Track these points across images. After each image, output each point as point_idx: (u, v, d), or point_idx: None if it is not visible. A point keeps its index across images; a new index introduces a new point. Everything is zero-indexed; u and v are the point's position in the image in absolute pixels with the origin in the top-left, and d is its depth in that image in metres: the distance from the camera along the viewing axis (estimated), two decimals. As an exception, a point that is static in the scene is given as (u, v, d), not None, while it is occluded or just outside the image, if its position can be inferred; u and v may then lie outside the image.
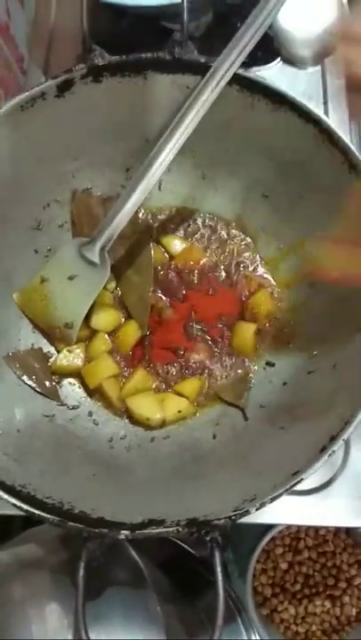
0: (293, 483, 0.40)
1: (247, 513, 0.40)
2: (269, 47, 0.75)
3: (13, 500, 0.41)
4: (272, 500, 0.40)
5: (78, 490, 0.46)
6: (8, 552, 0.51)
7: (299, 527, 0.72)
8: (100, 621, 0.42)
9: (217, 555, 0.38)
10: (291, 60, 0.74)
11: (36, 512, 0.41)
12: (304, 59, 0.73)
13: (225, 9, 0.78)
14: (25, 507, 0.41)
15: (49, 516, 0.41)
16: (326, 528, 0.72)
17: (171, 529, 0.40)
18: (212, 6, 0.78)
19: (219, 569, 0.37)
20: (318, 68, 0.73)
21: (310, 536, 0.72)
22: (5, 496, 0.41)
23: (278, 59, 0.74)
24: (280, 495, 0.40)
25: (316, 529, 0.72)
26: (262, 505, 0.40)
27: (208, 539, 0.38)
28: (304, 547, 0.71)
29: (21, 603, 0.45)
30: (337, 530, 0.73)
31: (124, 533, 0.40)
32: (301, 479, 0.40)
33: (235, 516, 0.40)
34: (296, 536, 0.72)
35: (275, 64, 0.74)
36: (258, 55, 0.75)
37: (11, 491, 0.42)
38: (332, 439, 0.42)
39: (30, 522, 0.57)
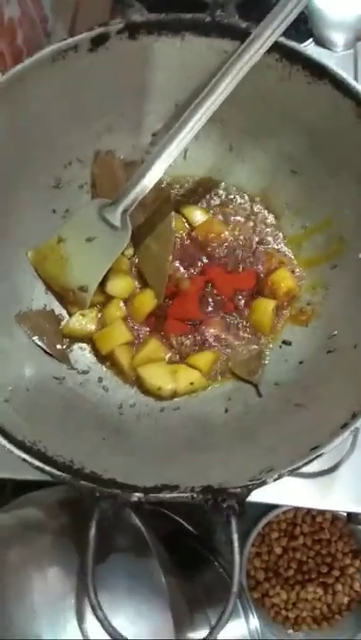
0: (313, 457, 0.40)
1: (264, 483, 0.39)
2: (302, 28, 0.74)
3: (24, 455, 0.40)
4: (290, 472, 0.39)
5: (88, 451, 0.44)
6: (9, 514, 0.50)
7: (295, 513, 0.72)
8: (105, 586, 0.41)
9: (233, 522, 0.37)
10: (323, 42, 0.73)
11: (47, 468, 0.40)
12: (337, 41, 0.72)
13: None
14: (36, 462, 0.40)
15: (60, 473, 0.40)
16: (323, 515, 0.71)
17: (185, 494, 0.39)
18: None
19: (235, 536, 0.36)
20: (351, 51, 0.72)
21: (307, 522, 0.72)
22: (16, 451, 0.40)
23: (311, 39, 0.73)
24: (298, 468, 0.39)
25: (313, 516, 0.72)
26: (280, 476, 0.39)
27: (225, 506, 0.37)
28: (300, 533, 0.71)
29: (23, 565, 0.44)
30: (334, 518, 0.72)
31: (137, 495, 0.39)
32: (321, 453, 0.39)
33: (251, 485, 0.39)
34: (292, 521, 0.72)
35: (307, 44, 0.73)
36: (291, 34, 0.74)
37: (21, 446, 0.41)
38: (355, 416, 0.41)
39: (22, 488, 0.56)
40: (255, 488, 0.39)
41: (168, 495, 0.39)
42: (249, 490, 0.39)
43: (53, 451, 0.42)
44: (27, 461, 0.40)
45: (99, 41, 0.51)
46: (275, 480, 0.39)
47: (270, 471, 0.40)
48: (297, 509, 0.72)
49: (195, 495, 0.39)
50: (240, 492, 0.38)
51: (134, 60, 0.53)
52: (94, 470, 0.41)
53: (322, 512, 0.72)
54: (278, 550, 0.71)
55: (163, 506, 0.64)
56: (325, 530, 0.71)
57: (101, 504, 0.38)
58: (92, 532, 0.37)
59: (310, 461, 0.39)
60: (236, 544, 0.36)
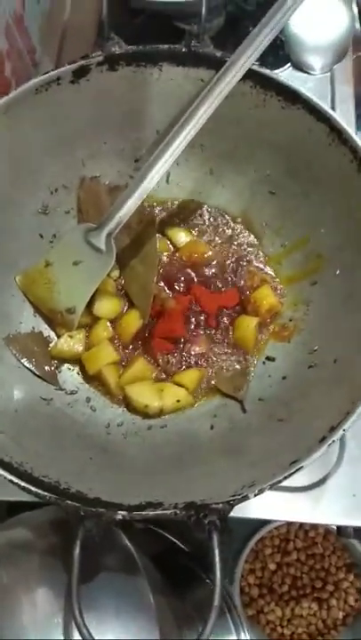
0: (293, 471, 0.40)
1: (246, 498, 0.40)
2: (280, 52, 0.76)
3: (10, 477, 0.41)
4: (271, 486, 0.40)
5: (75, 471, 0.45)
6: (1, 535, 0.50)
7: (288, 528, 0.72)
8: (92, 606, 0.41)
9: (215, 537, 0.37)
10: (300, 66, 0.75)
11: (33, 489, 0.41)
12: (314, 65, 0.75)
13: (238, 12, 0.79)
14: (22, 483, 0.41)
15: (46, 493, 0.40)
16: (316, 530, 0.71)
17: (168, 511, 0.40)
18: (225, 9, 0.79)
19: (217, 551, 0.37)
20: (328, 74, 0.75)
21: (300, 538, 0.72)
22: (3, 472, 0.41)
23: (288, 64, 0.76)
24: (279, 482, 0.40)
25: (306, 531, 0.72)
26: (261, 491, 0.40)
27: (206, 522, 0.38)
28: (293, 548, 0.71)
29: (11, 585, 0.44)
30: (326, 532, 0.72)
31: (121, 514, 0.39)
32: (301, 467, 0.40)
33: (233, 500, 0.39)
34: (285, 537, 0.72)
35: (285, 69, 0.76)
36: (269, 60, 0.77)
37: (8, 467, 0.42)
38: (332, 429, 0.42)
39: (15, 509, 0.57)
40: (237, 503, 0.39)
41: (152, 513, 0.40)
42: (231, 505, 0.39)
43: (40, 471, 0.43)
44: (13, 482, 0.41)
45: (80, 73, 0.53)
46: (256, 495, 0.40)
47: (252, 486, 0.40)
48: (289, 525, 0.72)
49: (177, 512, 0.39)
50: (222, 507, 0.39)
51: (115, 91, 0.55)
52: (80, 490, 0.42)
53: (315, 527, 0.72)
54: (272, 566, 0.71)
55: (154, 524, 0.65)
56: (318, 544, 0.71)
57: (86, 523, 0.38)
58: (77, 551, 0.37)
59: (290, 475, 0.40)
60: (217, 559, 0.37)
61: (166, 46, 0.53)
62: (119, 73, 0.54)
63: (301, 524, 0.72)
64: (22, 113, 0.52)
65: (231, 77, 0.51)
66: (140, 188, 0.52)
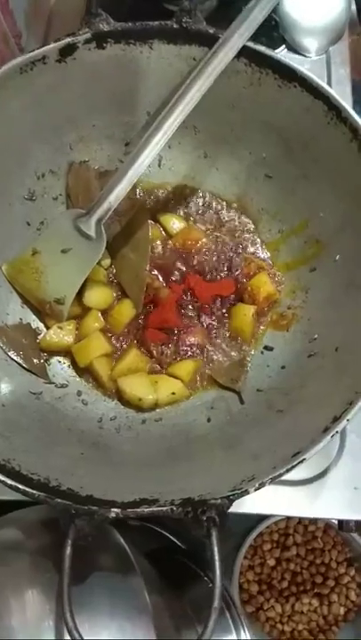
0: (295, 463, 0.38)
1: (246, 493, 0.38)
2: (274, 34, 0.74)
3: (-3, 474, 0.38)
4: (272, 480, 0.38)
5: (66, 468, 0.43)
6: (-13, 535, 0.48)
7: (287, 523, 0.70)
8: (85, 607, 0.39)
9: (214, 534, 0.35)
10: (295, 49, 0.73)
11: (21, 487, 0.38)
12: (309, 47, 0.72)
13: (230, -6, 0.77)
14: (9, 481, 0.38)
15: (35, 491, 0.38)
16: (316, 524, 0.70)
17: (164, 508, 0.38)
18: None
19: (216, 549, 0.35)
20: (323, 56, 0.72)
21: (299, 532, 0.70)
22: (-13, 469, 0.38)
23: (283, 46, 0.73)
24: (280, 475, 0.38)
25: (306, 525, 0.70)
26: (261, 485, 0.38)
27: (204, 518, 0.36)
28: (293, 543, 0.70)
29: (0, 587, 0.42)
30: (327, 526, 0.71)
31: (114, 511, 0.37)
32: (303, 459, 0.38)
33: (233, 495, 0.38)
34: (285, 532, 0.70)
35: (279, 51, 0.73)
36: (262, 41, 0.74)
37: (-7, 464, 0.39)
38: (336, 420, 0.40)
39: (1, 509, 0.55)
40: (237, 498, 0.37)
41: (147, 510, 0.38)
42: (230, 500, 0.37)
43: (28, 468, 0.41)
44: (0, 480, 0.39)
45: (67, 51, 0.50)
46: (256, 489, 0.38)
47: (252, 480, 0.38)
48: (289, 519, 0.70)
49: (174, 508, 0.37)
50: (220, 502, 0.37)
51: (103, 70, 0.52)
52: (71, 487, 0.40)
53: (314, 521, 0.70)
54: (271, 562, 0.69)
55: (149, 521, 0.63)
56: (318, 539, 0.70)
57: (77, 522, 0.36)
58: (68, 551, 0.35)
59: (292, 468, 0.38)
60: (216, 557, 0.35)
61: (157, 23, 0.51)
62: (108, 51, 0.51)
63: (301, 519, 0.70)
64: (6, 94, 0.50)
65: (225, 54, 0.49)
66: (130, 171, 0.50)
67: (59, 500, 0.38)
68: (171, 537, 0.61)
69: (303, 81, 0.49)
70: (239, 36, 0.49)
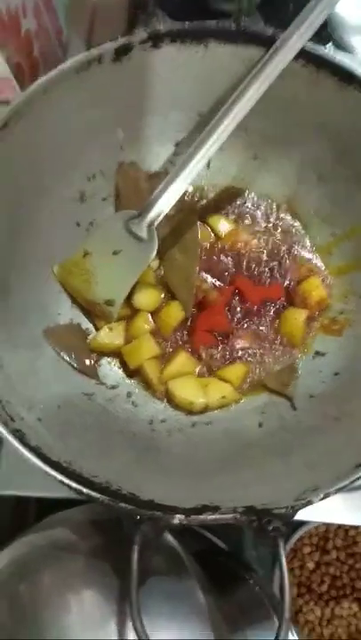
0: (360, 474, 0.38)
1: (310, 503, 0.38)
2: (322, 32, 0.72)
3: (61, 477, 0.39)
4: (337, 490, 0.38)
5: (122, 471, 0.43)
6: (40, 535, 0.48)
7: (327, 527, 0.70)
8: (146, 610, 0.39)
9: (281, 545, 0.35)
10: (343, 46, 0.72)
11: (85, 490, 0.39)
12: (356, 45, 0.71)
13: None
14: (73, 484, 0.39)
15: (99, 495, 0.38)
16: (356, 529, 0.69)
17: (228, 515, 0.38)
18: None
19: (284, 560, 0.35)
20: (372, 55, 0.71)
21: (339, 536, 0.70)
22: (54, 473, 0.39)
23: (330, 44, 0.72)
24: (345, 486, 0.38)
25: (346, 530, 0.70)
26: (326, 495, 0.38)
27: (270, 528, 0.36)
28: (333, 547, 0.69)
29: (57, 587, 0.43)
30: (367, 531, 0.70)
31: (178, 517, 0.37)
32: (368, 471, 0.38)
33: (296, 505, 0.37)
34: (325, 536, 0.70)
35: (326, 49, 0.72)
36: (311, 39, 0.73)
37: (58, 467, 0.40)
38: None
39: (46, 509, 0.55)
40: (301, 508, 0.37)
41: (210, 517, 0.38)
42: (295, 510, 0.37)
43: (89, 471, 0.41)
44: (64, 483, 0.39)
45: (122, 51, 0.50)
46: (321, 499, 0.37)
47: (315, 490, 0.38)
48: (328, 523, 0.70)
49: (238, 516, 0.37)
50: (285, 512, 0.37)
51: (158, 70, 0.52)
52: (132, 491, 0.40)
53: (355, 525, 0.70)
54: (311, 565, 0.69)
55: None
56: (359, 544, 0.69)
57: (142, 527, 0.37)
58: (135, 556, 0.35)
59: (357, 479, 0.38)
60: (285, 569, 0.35)
61: (213, 22, 0.50)
62: (163, 51, 0.51)
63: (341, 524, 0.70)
64: (61, 94, 0.49)
65: (283, 56, 0.49)
66: (183, 173, 0.50)
67: (122, 505, 0.38)
68: (213, 538, 0.61)
69: (363, 83, 0.48)
70: (298, 37, 0.48)
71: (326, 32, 0.72)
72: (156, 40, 0.50)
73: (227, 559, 0.59)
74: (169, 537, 0.49)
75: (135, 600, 0.34)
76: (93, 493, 0.38)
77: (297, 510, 0.37)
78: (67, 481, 0.39)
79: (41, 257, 0.54)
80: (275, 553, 0.35)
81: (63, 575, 0.44)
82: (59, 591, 0.43)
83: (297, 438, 0.48)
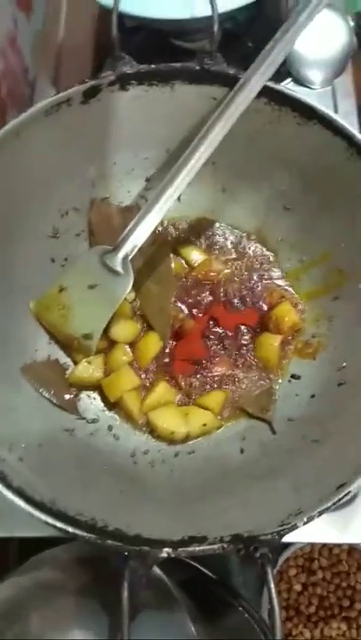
0: (341, 496, 0.39)
1: (295, 527, 0.38)
2: (280, 68, 0.76)
3: (46, 518, 0.39)
4: (320, 513, 0.39)
5: (108, 506, 0.43)
6: (26, 577, 0.48)
7: (312, 547, 0.71)
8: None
9: (269, 571, 0.36)
10: (301, 81, 0.75)
11: (71, 530, 0.38)
12: (314, 79, 0.75)
13: (234, 27, 0.79)
14: (59, 524, 0.39)
15: (85, 534, 0.38)
16: (340, 547, 0.70)
17: (215, 546, 0.38)
18: (221, 25, 0.79)
19: (272, 586, 0.35)
20: (329, 88, 0.75)
21: (324, 556, 0.71)
22: (37, 513, 0.39)
23: (289, 79, 0.76)
24: (328, 508, 0.39)
25: (330, 548, 0.71)
26: (310, 519, 0.39)
27: (258, 555, 0.37)
28: (318, 567, 0.70)
29: (46, 629, 0.42)
30: (351, 549, 0.71)
31: (166, 551, 0.38)
32: (350, 491, 0.39)
33: (282, 530, 0.38)
34: (310, 556, 0.71)
35: (285, 83, 0.76)
36: (268, 74, 0.76)
37: (42, 507, 0.39)
38: (377, 450, 0.41)
39: (27, 549, 0.54)
40: (286, 533, 0.38)
41: (198, 548, 0.38)
42: (281, 535, 0.38)
43: (74, 509, 0.41)
44: (48, 524, 0.39)
45: (90, 94, 0.52)
46: (305, 523, 0.38)
47: (299, 514, 0.39)
48: (313, 543, 0.70)
49: (225, 546, 0.38)
50: (271, 538, 0.38)
51: (126, 111, 0.54)
52: (118, 527, 0.40)
53: (338, 544, 0.71)
54: (298, 587, 0.69)
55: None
56: (343, 562, 0.70)
57: (131, 563, 0.37)
58: (125, 593, 0.35)
59: (339, 500, 0.39)
60: (274, 594, 0.35)
61: (179, 65, 0.52)
62: (130, 93, 0.53)
63: (325, 542, 0.71)
64: (33, 135, 0.51)
65: (246, 95, 0.51)
66: (155, 208, 0.51)
67: (109, 542, 0.38)
68: (199, 567, 0.61)
69: (322, 118, 0.51)
70: (260, 76, 0.51)
71: (284, 67, 0.76)
72: (123, 82, 0.52)
73: (214, 586, 0.59)
74: (155, 568, 0.48)
75: (127, 638, 0.34)
76: (79, 532, 0.38)
77: (283, 535, 0.38)
78: (52, 521, 0.39)
79: (16, 293, 0.54)
80: (263, 580, 0.36)
81: (53, 616, 0.44)
82: (49, 634, 0.42)
83: (278, 463, 0.49)
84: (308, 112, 0.51)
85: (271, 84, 0.51)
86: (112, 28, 0.51)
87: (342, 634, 0.68)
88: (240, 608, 0.56)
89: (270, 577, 0.36)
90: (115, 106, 0.53)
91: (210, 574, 0.60)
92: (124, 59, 0.52)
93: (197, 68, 0.52)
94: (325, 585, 0.70)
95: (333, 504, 0.39)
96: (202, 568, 0.61)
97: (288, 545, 0.67)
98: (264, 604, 0.65)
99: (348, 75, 0.75)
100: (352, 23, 0.77)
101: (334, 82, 0.75)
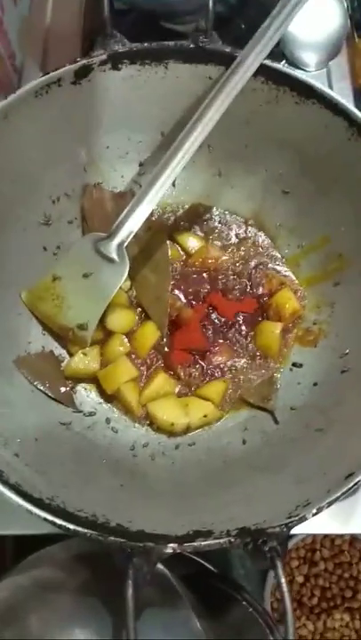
0: (350, 486, 0.38)
1: (303, 519, 0.37)
2: (275, 49, 0.74)
3: (45, 515, 0.37)
4: (329, 504, 0.37)
5: (108, 501, 0.42)
6: (24, 576, 0.46)
7: (314, 538, 0.70)
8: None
9: (279, 565, 0.34)
10: (296, 63, 0.74)
11: (71, 527, 0.37)
12: (309, 62, 0.73)
13: (226, 9, 0.77)
14: (59, 521, 0.37)
15: (86, 530, 0.37)
16: (342, 537, 0.69)
17: (221, 540, 0.37)
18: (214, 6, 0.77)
19: (283, 580, 0.34)
20: (323, 70, 0.73)
21: (326, 547, 0.70)
22: (36, 510, 0.37)
23: (283, 61, 0.74)
24: (337, 499, 0.38)
25: (332, 539, 0.70)
26: (319, 510, 0.37)
27: (267, 548, 0.35)
28: (320, 558, 0.69)
29: (46, 628, 0.40)
30: (353, 539, 0.70)
31: (171, 547, 0.36)
32: (359, 482, 0.38)
33: (290, 522, 0.37)
34: (311, 547, 0.70)
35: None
36: (263, 56, 0.75)
37: (40, 504, 0.38)
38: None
39: (24, 548, 0.53)
40: (295, 525, 0.37)
41: (204, 543, 0.37)
42: (289, 528, 0.37)
43: (73, 505, 0.39)
44: (48, 520, 0.37)
45: (82, 73, 0.50)
46: (314, 515, 0.37)
47: (307, 505, 0.38)
48: (315, 534, 0.69)
49: (232, 540, 0.36)
50: (279, 531, 0.36)
51: (118, 91, 0.52)
52: (120, 523, 0.38)
53: (340, 534, 0.70)
54: (300, 579, 0.68)
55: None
56: (345, 552, 0.69)
57: (135, 561, 0.35)
58: (130, 592, 0.34)
59: (348, 490, 0.37)
60: (285, 589, 0.34)
61: (173, 43, 0.50)
62: (122, 72, 0.51)
63: (327, 533, 0.70)
64: (22, 117, 0.49)
65: (243, 73, 0.49)
66: (150, 193, 0.49)
67: (112, 539, 0.36)
68: (202, 561, 0.60)
69: (322, 97, 0.49)
70: (256, 54, 0.49)
71: (279, 49, 0.75)
72: (115, 61, 0.50)
73: (216, 580, 0.58)
74: (158, 564, 0.47)
75: (133, 636, 0.33)
76: (80, 529, 0.37)
77: (291, 528, 0.37)
78: (51, 518, 0.37)
79: (7, 283, 0.52)
80: (274, 575, 0.34)
81: (52, 617, 0.42)
82: (50, 634, 0.40)
83: (282, 453, 0.47)
84: (306, 91, 0.50)
85: (268, 63, 0.49)
86: (104, 6, 0.49)
87: (345, 625, 0.67)
88: (243, 602, 0.55)
89: (281, 572, 0.34)
90: (107, 86, 0.51)
91: (211, 568, 0.58)
92: (116, 37, 0.50)
93: (192, 46, 0.50)
94: (327, 576, 0.69)
95: (343, 494, 0.37)
96: (204, 562, 0.60)
97: (290, 536, 0.66)
98: (266, 596, 0.64)
99: (343, 57, 0.74)
100: (347, 4, 0.75)
101: (329, 64, 0.73)
